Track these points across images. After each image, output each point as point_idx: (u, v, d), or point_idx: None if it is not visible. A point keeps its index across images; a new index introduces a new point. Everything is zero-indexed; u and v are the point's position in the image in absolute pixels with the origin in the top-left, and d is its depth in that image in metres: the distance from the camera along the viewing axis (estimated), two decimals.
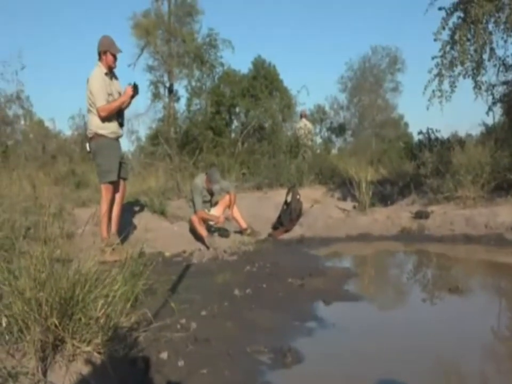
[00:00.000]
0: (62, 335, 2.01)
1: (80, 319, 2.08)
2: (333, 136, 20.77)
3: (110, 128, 4.38)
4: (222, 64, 12.62)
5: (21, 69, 10.49)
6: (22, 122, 12.00)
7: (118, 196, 4.53)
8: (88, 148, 4.51)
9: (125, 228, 5.14)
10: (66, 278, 2.15)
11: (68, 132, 12.29)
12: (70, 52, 34.36)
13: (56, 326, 1.99)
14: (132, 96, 4.39)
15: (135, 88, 4.35)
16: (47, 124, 12.23)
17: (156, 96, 12.67)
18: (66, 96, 30.69)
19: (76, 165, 8.12)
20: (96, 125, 4.34)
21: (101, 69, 4.28)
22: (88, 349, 2.03)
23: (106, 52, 4.25)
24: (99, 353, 2.04)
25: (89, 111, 4.41)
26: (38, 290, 2.05)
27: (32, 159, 9.09)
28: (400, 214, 5.93)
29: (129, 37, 12.09)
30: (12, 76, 10.65)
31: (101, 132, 4.35)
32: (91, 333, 2.08)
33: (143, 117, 12.76)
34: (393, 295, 3.76)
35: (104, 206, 4.38)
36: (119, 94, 4.41)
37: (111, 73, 4.37)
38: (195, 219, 5.25)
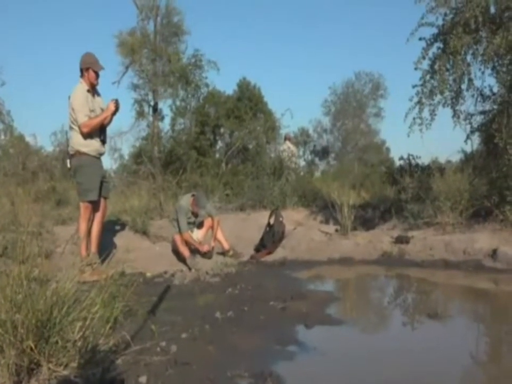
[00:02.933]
0: (38, 358, 1.97)
1: (57, 342, 2.04)
2: (316, 159, 21.08)
3: (92, 145, 4.37)
4: (207, 85, 12.73)
5: (1, 85, 10.41)
6: (2, 137, 11.83)
7: (98, 215, 4.49)
8: (68, 165, 4.49)
9: (106, 247, 5.08)
10: (44, 300, 2.12)
11: (49, 148, 12.13)
12: (53, 68, 34.29)
13: (32, 349, 1.95)
14: (114, 113, 4.40)
15: (117, 104, 4.37)
16: (28, 139, 12.08)
17: (140, 114, 12.67)
18: (48, 112, 30.45)
19: (56, 182, 8.01)
20: (78, 143, 4.33)
21: (83, 86, 4.30)
22: (65, 372, 1.99)
23: (89, 69, 4.28)
24: (76, 377, 2.00)
25: (71, 128, 4.40)
26: (14, 312, 2.01)
27: (12, 175, 8.93)
28: (381, 238, 5.99)
29: (114, 55, 12.14)
30: None
31: (83, 149, 4.33)
32: (68, 356, 2.04)
33: (126, 135, 12.69)
34: (374, 319, 3.77)
35: (83, 225, 4.34)
36: (102, 110, 4.41)
37: (93, 90, 4.39)
38: (178, 239, 5.22)
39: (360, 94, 25.38)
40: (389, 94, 25.02)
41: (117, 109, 4.37)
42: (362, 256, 5.69)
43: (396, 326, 3.46)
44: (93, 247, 4.45)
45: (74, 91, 4.29)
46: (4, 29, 31.71)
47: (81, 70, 4.31)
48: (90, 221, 4.41)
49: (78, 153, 4.35)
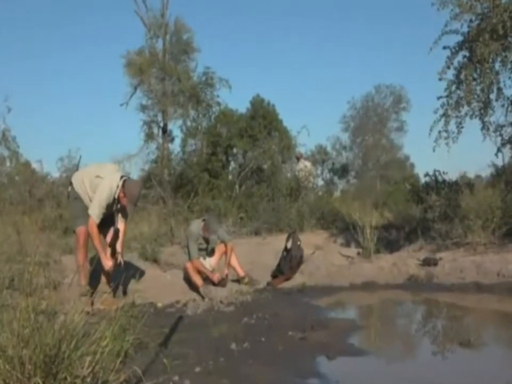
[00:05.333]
0: None
1: (65, 378, 2.08)
2: (335, 178, 21.02)
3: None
4: (218, 104, 13.01)
5: (7, 112, 10.77)
6: (8, 164, 12.16)
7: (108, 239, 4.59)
8: (68, 190, 4.69)
9: (115, 276, 5.14)
10: (52, 334, 2.16)
11: (55, 174, 12.40)
12: (58, 94, 35.33)
13: None
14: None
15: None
16: (34, 165, 12.39)
17: (149, 136, 12.96)
18: (55, 137, 31.25)
19: (63, 210, 8.16)
20: (80, 192, 4.52)
21: (114, 189, 4.38)
22: None
23: (125, 195, 4.38)
24: None
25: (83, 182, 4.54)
26: (21, 348, 2.05)
27: (18, 203, 9.14)
28: (407, 261, 5.94)
29: (122, 76, 12.49)
30: None
31: (80, 195, 4.53)
32: None
33: (135, 158, 12.98)
34: (401, 349, 3.73)
35: (79, 254, 4.46)
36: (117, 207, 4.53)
37: (117, 200, 4.50)
38: (190, 266, 5.25)
39: (380, 107, 25.46)
40: (412, 107, 25.03)
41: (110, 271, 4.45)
42: (387, 280, 5.64)
43: (424, 356, 3.41)
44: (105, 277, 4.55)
45: (109, 183, 4.36)
46: (9, 55, 32.98)
47: (123, 185, 4.38)
48: (86, 249, 4.51)
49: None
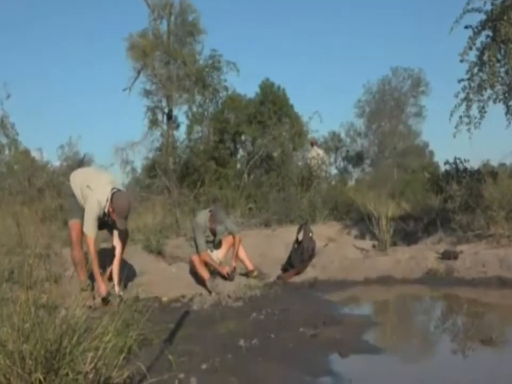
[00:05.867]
0: None
1: (67, 374, 2.11)
2: (350, 166, 20.92)
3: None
4: (226, 88, 12.94)
5: (6, 98, 10.84)
6: (7, 152, 12.26)
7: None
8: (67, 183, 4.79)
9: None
10: (53, 328, 2.19)
11: (56, 163, 12.49)
12: (58, 78, 35.36)
13: (40, 382, 2.01)
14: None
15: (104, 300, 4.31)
16: (34, 154, 12.49)
17: (153, 123, 12.96)
18: (55, 125, 31.39)
19: (64, 200, 8.22)
20: (74, 188, 4.57)
21: (105, 204, 4.35)
22: None
23: (114, 212, 4.35)
24: None
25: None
26: (21, 342, 2.08)
27: (17, 193, 9.24)
28: (425, 254, 5.91)
29: (125, 59, 12.48)
30: None
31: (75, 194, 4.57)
32: None
33: (138, 146, 12.99)
34: (418, 347, 3.72)
35: (74, 250, 4.53)
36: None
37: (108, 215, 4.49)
38: (196, 259, 5.28)
39: (398, 91, 25.17)
40: (431, 91, 24.68)
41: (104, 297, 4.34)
42: (404, 274, 5.62)
43: (443, 354, 3.41)
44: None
45: (96, 197, 4.34)
46: (8, 40, 33.07)
47: (111, 200, 4.35)
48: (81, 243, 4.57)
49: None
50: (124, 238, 4.68)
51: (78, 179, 4.62)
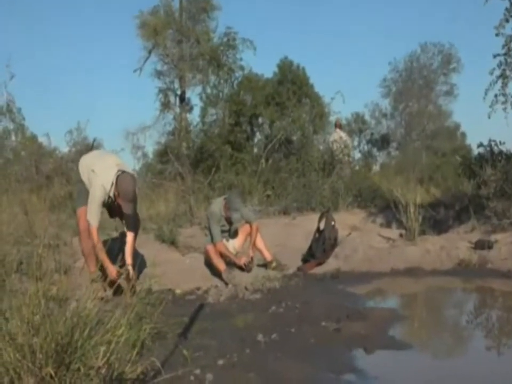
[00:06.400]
0: None
1: (78, 368, 2.14)
2: (375, 150, 20.74)
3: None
4: (242, 68, 12.88)
5: (10, 79, 10.96)
6: (13, 138, 12.45)
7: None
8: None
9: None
10: (64, 321, 2.23)
11: (64, 149, 12.63)
12: (66, 58, 35.62)
13: (51, 376, 2.05)
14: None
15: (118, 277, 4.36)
16: (41, 139, 12.64)
17: (165, 105, 12.99)
18: (63, 109, 31.71)
19: (73, 187, 8.33)
20: (82, 174, 4.60)
21: (110, 188, 4.38)
22: None
23: (119, 195, 4.36)
24: None
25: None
26: (31, 335, 2.13)
27: (25, 181, 9.39)
28: (456, 244, 5.86)
29: (135, 39, 12.49)
30: (1, 88, 11.12)
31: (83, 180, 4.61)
32: None
33: (150, 130, 13.06)
34: (449, 343, 3.70)
35: (83, 240, 4.55)
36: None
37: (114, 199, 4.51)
38: (211, 249, 5.30)
39: (427, 69, 24.73)
40: (463, 67, 24.21)
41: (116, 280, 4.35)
42: (433, 265, 5.59)
43: (476, 352, 3.37)
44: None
45: (100, 181, 4.34)
46: (11, 17, 33.38)
47: (116, 183, 4.36)
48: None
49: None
50: (135, 225, 4.70)
51: (84, 164, 4.66)
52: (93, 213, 4.34)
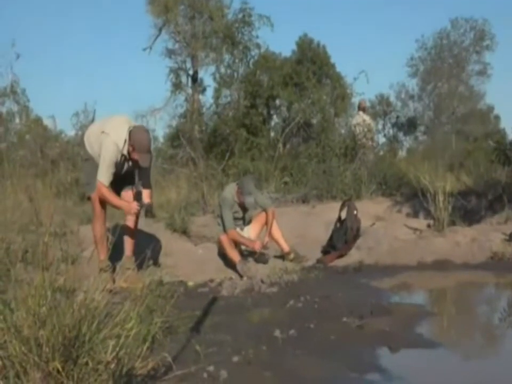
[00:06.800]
0: (66, 382, 2.10)
1: (86, 363, 2.16)
2: (400, 134, 20.54)
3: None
4: (258, 46, 12.80)
5: (15, 59, 11.05)
6: (17, 120, 12.58)
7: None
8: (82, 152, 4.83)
9: (139, 250, 5.27)
10: (71, 313, 2.25)
11: (70, 132, 12.76)
12: (73, 38, 35.81)
13: (58, 371, 2.07)
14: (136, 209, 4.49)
15: (146, 208, 4.49)
16: (46, 122, 12.75)
17: (177, 86, 12.99)
18: (68, 90, 31.92)
19: (80, 172, 8.41)
20: (90, 151, 4.61)
21: (123, 146, 4.41)
22: None
23: (135, 149, 4.40)
24: None
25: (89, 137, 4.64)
26: (37, 328, 2.15)
27: (29, 166, 9.49)
28: (489, 236, 5.81)
29: (144, 15, 12.49)
30: (6, 68, 11.23)
31: (91, 155, 4.62)
32: (100, 381, 2.16)
33: (160, 113, 13.11)
34: (480, 342, 3.68)
35: (96, 223, 4.61)
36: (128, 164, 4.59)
37: (128, 157, 4.54)
38: (225, 239, 5.31)
39: (458, 46, 24.34)
40: (497, 45, 23.77)
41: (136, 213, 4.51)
42: (464, 258, 5.56)
43: (509, 352, 3.34)
44: (127, 250, 4.68)
45: (113, 139, 4.37)
46: None
47: (130, 139, 4.41)
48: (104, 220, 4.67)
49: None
50: (150, 183, 4.76)
51: (92, 132, 4.68)
52: (104, 173, 4.38)
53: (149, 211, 4.60)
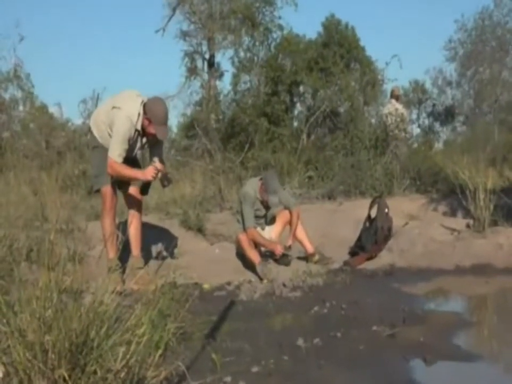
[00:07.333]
0: None
1: (95, 371, 2.18)
2: (437, 125, 20.34)
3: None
4: (280, 28, 12.79)
5: (19, 41, 11.18)
6: (21, 108, 12.74)
7: (133, 207, 4.74)
8: (87, 138, 4.83)
9: (151, 250, 5.31)
10: (79, 317, 2.27)
11: (78, 120, 12.91)
12: (81, 19, 36.06)
13: (65, 379, 2.09)
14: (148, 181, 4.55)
15: (157, 175, 4.45)
16: (52, 110, 12.90)
17: (192, 71, 13.05)
18: (76, 76, 32.19)
19: (88, 164, 8.49)
20: (98, 134, 4.63)
21: (137, 119, 4.43)
22: None
23: (151, 122, 4.43)
24: None
25: (99, 116, 4.67)
26: (43, 333, 2.17)
27: (34, 157, 9.62)
28: None
29: None
30: (9, 51, 11.38)
31: (99, 140, 4.63)
32: None
33: (174, 100, 13.16)
34: None
35: (106, 219, 4.61)
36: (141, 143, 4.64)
37: (143, 132, 4.57)
38: (244, 239, 5.32)
39: (501, 27, 23.97)
40: None
41: (155, 178, 4.51)
42: (507, 262, 5.48)
43: None
44: (134, 249, 4.70)
45: (126, 112, 4.39)
46: None
47: (144, 110, 4.45)
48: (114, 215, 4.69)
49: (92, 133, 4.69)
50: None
51: (99, 113, 4.70)
52: (117, 149, 4.36)
53: (165, 179, 4.58)
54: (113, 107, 4.46)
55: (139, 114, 4.42)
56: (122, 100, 4.51)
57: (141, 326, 2.51)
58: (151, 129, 4.44)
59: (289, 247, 5.51)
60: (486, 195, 6.07)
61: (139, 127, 4.46)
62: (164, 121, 4.50)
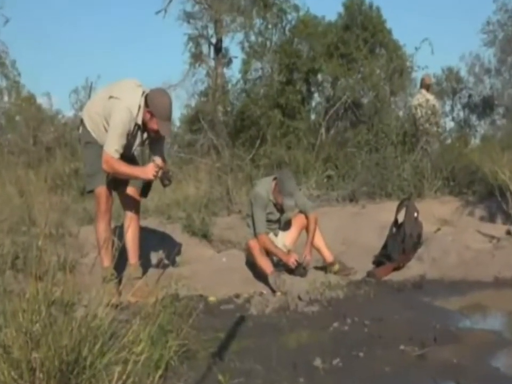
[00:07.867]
0: None
1: None
2: (473, 118, 20.23)
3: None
4: (296, 8, 12.79)
5: (3, 24, 11.27)
6: (6, 98, 12.84)
7: (130, 211, 4.75)
8: (79, 132, 4.85)
9: (151, 257, 5.32)
10: (70, 332, 2.28)
11: (69, 112, 12.99)
12: (71, 1, 36.24)
13: None
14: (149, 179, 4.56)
15: (157, 173, 4.45)
16: (40, 100, 12.99)
17: (197, 58, 13.08)
18: (67, 62, 32.35)
19: (80, 162, 8.53)
20: (92, 127, 4.63)
21: (137, 112, 4.43)
22: None
23: (154, 116, 4.43)
24: None
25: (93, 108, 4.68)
26: (30, 349, 2.19)
27: (20, 153, 9.68)
28: None
29: None
30: None
31: (93, 135, 4.63)
32: None
33: (177, 90, 13.18)
34: None
35: (100, 223, 4.62)
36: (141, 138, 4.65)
37: (144, 127, 4.57)
38: (255, 246, 5.32)
39: None
40: None
41: (155, 177, 4.51)
42: None
43: None
44: (131, 257, 4.71)
45: (125, 103, 4.39)
46: None
47: (146, 103, 4.45)
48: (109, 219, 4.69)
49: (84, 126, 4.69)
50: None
51: (93, 104, 4.71)
52: (114, 143, 4.34)
53: (166, 178, 4.57)
54: (111, 97, 4.44)
55: (140, 106, 4.40)
56: (121, 90, 4.49)
57: (139, 343, 2.52)
58: (153, 124, 4.43)
59: (306, 258, 5.42)
60: None
61: (139, 121, 4.44)
62: (168, 116, 4.50)
